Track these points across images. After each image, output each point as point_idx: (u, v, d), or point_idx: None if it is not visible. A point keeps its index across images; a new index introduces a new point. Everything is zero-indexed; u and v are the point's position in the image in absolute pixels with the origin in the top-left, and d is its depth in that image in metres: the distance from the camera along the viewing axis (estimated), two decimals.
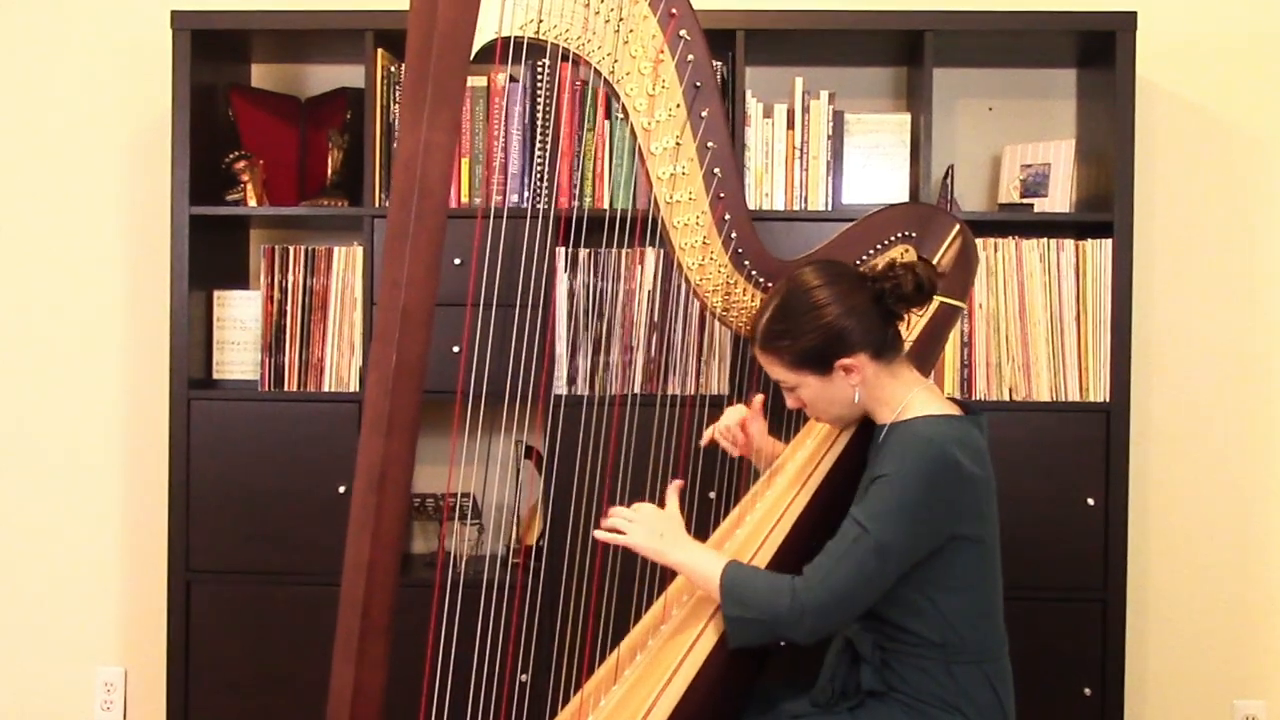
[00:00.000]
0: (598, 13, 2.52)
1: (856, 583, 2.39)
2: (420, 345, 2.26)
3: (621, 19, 2.55)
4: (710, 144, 2.69)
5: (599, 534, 2.59)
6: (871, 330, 2.52)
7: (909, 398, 2.55)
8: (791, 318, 2.53)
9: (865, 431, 2.71)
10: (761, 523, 2.69)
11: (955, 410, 2.56)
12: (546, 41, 2.47)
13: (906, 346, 2.67)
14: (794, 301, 2.54)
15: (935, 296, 2.62)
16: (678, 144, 2.67)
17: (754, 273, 2.78)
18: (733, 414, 2.89)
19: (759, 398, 2.88)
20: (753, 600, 2.43)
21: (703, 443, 2.92)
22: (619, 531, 2.58)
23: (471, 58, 2.28)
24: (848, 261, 2.74)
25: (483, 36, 2.32)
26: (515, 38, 2.41)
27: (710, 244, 2.74)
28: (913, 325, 2.82)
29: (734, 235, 2.75)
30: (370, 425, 2.27)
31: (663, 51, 2.61)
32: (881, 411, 2.58)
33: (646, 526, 2.59)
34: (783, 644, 2.53)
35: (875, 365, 2.54)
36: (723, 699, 2.55)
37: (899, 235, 2.86)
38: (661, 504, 2.64)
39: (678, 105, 2.65)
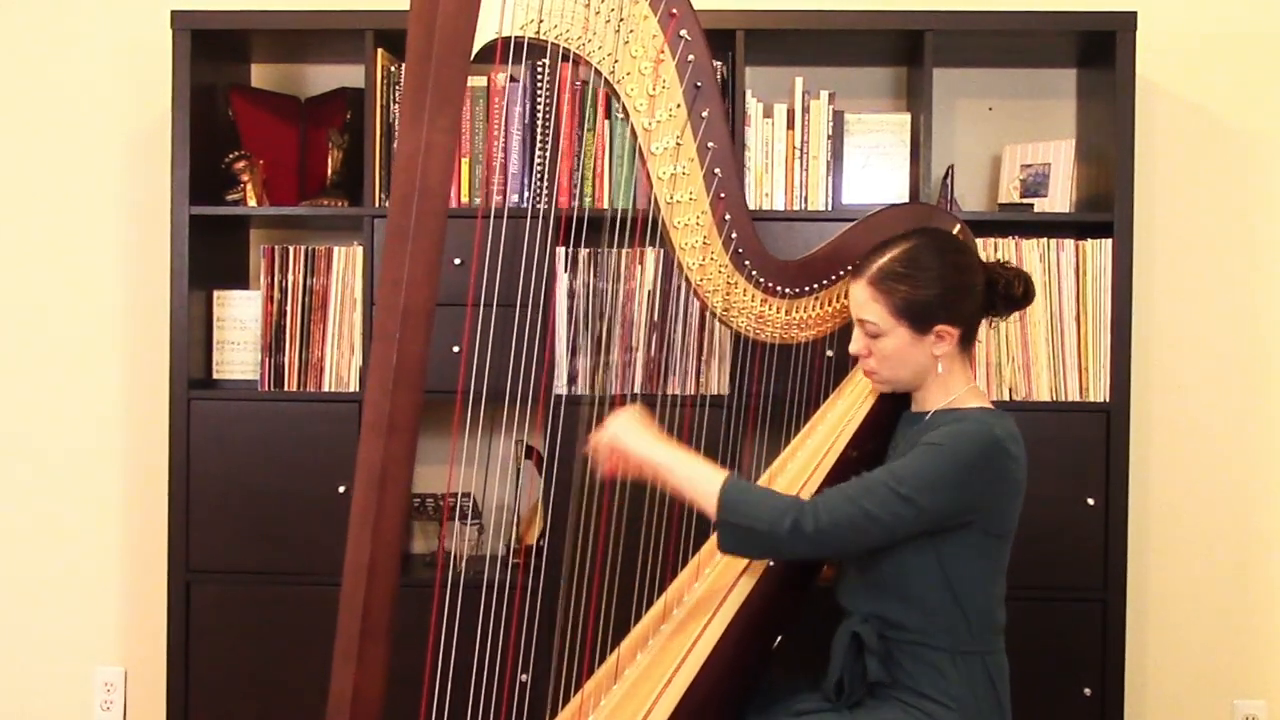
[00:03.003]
0: (598, 13, 2.51)
1: (866, 519, 2.41)
2: (421, 345, 2.26)
3: (622, 19, 2.55)
4: (711, 144, 2.69)
5: (595, 441, 2.62)
6: (973, 313, 2.60)
7: (963, 391, 2.60)
8: (920, 267, 2.55)
9: (883, 416, 2.76)
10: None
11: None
12: (547, 42, 2.46)
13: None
14: (927, 254, 2.57)
15: None
16: (678, 144, 2.67)
17: (754, 273, 2.79)
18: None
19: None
20: (753, 509, 2.44)
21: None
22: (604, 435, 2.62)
23: (472, 58, 2.28)
24: (850, 262, 2.76)
25: (483, 36, 2.32)
26: (515, 38, 2.41)
27: (711, 244, 2.75)
28: None
29: (734, 235, 2.75)
30: (370, 425, 2.27)
31: (663, 52, 2.61)
32: (935, 395, 2.61)
33: (628, 421, 2.62)
34: (778, 640, 2.55)
35: (956, 347, 2.58)
36: (725, 698, 2.56)
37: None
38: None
39: (678, 105, 2.65)
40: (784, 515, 2.41)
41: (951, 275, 2.55)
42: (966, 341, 2.61)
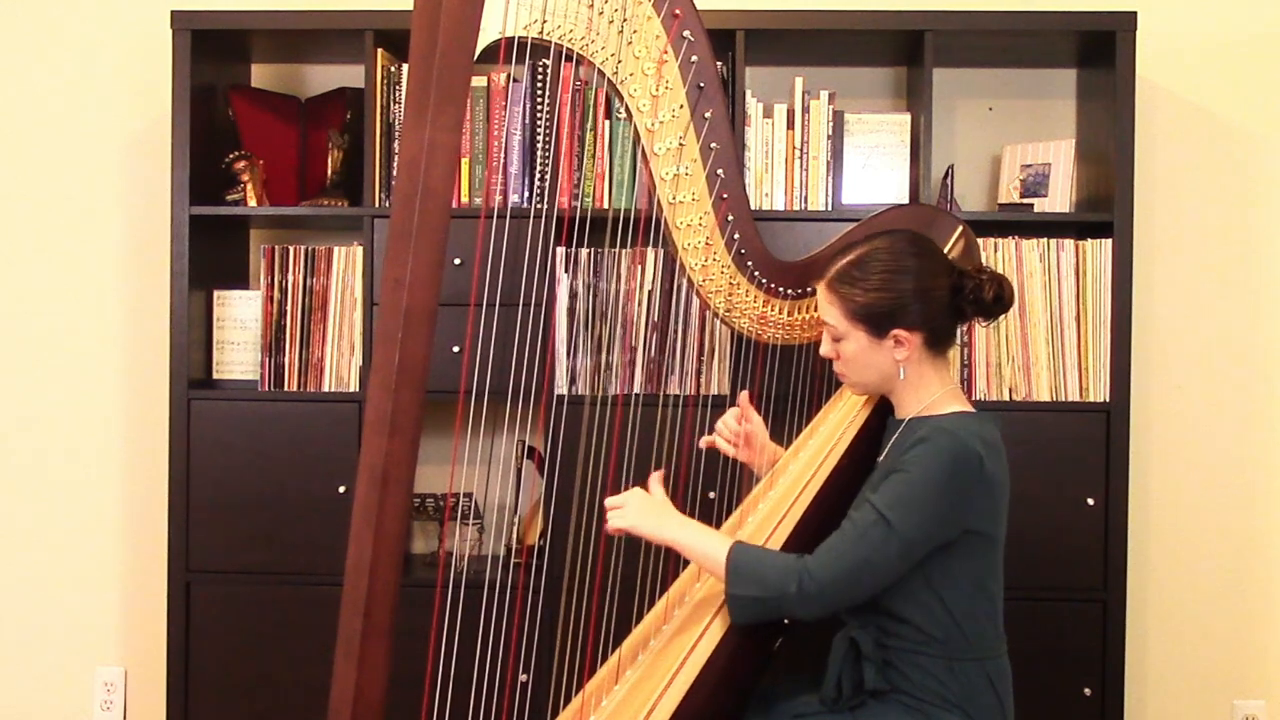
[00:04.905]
0: (601, 13, 2.51)
1: (867, 566, 2.40)
2: (423, 345, 2.26)
3: (625, 19, 2.55)
4: (713, 145, 2.69)
5: (610, 528, 2.62)
6: (936, 317, 2.55)
7: (939, 395, 2.58)
8: (871, 271, 2.54)
9: (876, 421, 2.74)
10: (773, 511, 2.71)
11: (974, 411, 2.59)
12: (550, 42, 2.47)
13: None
14: (879, 257, 2.55)
15: None
16: (681, 145, 2.67)
17: (757, 274, 2.79)
18: (729, 416, 2.91)
19: (744, 394, 2.90)
20: (759, 577, 2.44)
21: (701, 444, 2.93)
22: (618, 520, 2.62)
23: (475, 58, 2.28)
24: None
25: (487, 37, 2.32)
26: (519, 38, 2.41)
27: (713, 245, 2.75)
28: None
29: (737, 236, 2.75)
30: (372, 425, 2.26)
31: (666, 52, 2.61)
32: (908, 400, 2.60)
33: (638, 507, 2.61)
34: (786, 622, 2.56)
35: (923, 351, 2.56)
36: (725, 699, 2.56)
37: None
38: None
39: (681, 106, 2.66)
40: (788, 579, 2.41)
41: (904, 280, 2.52)
42: (936, 346, 2.58)
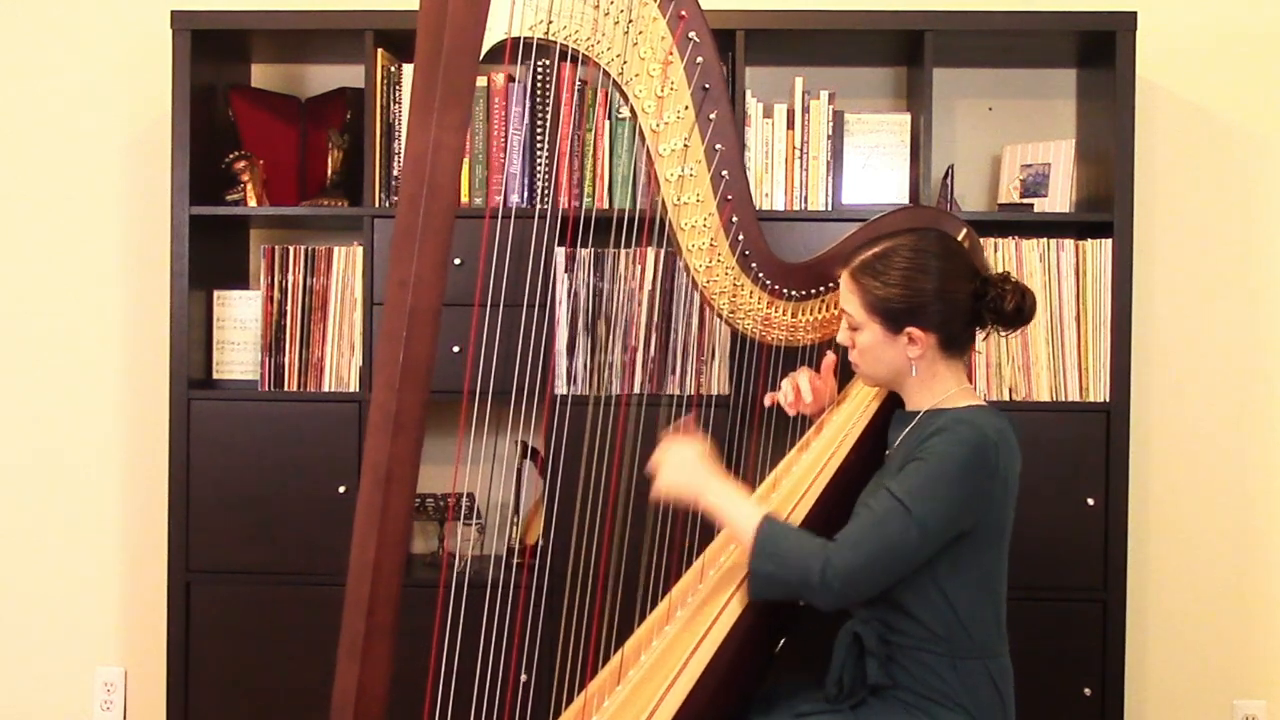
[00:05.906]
0: (607, 14, 2.52)
1: (888, 554, 2.41)
2: (427, 345, 2.26)
3: (631, 20, 2.55)
4: (718, 146, 2.69)
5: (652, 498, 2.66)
6: (953, 320, 2.56)
7: (953, 392, 2.59)
8: (891, 266, 2.55)
9: (883, 419, 2.75)
10: (778, 511, 2.70)
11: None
12: (556, 42, 2.47)
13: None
14: (902, 253, 2.56)
15: None
16: (686, 146, 2.67)
17: (761, 275, 2.79)
18: (798, 375, 2.93)
19: (831, 358, 2.93)
20: (784, 558, 2.44)
21: (766, 402, 2.96)
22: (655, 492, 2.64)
23: (481, 58, 2.28)
24: None
25: (492, 37, 2.32)
26: (525, 38, 2.41)
27: (717, 246, 2.75)
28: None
29: (741, 238, 2.75)
30: (376, 424, 2.26)
31: (672, 53, 2.61)
32: (921, 396, 2.61)
33: (671, 469, 2.62)
34: (801, 604, 2.56)
35: (937, 351, 2.58)
36: (729, 699, 2.56)
37: None
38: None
39: (686, 107, 2.66)
40: (810, 564, 2.41)
41: (922, 280, 2.53)
42: (951, 348, 2.59)
